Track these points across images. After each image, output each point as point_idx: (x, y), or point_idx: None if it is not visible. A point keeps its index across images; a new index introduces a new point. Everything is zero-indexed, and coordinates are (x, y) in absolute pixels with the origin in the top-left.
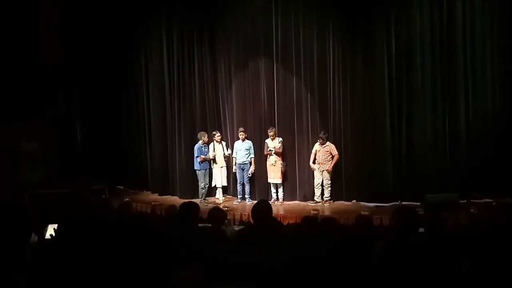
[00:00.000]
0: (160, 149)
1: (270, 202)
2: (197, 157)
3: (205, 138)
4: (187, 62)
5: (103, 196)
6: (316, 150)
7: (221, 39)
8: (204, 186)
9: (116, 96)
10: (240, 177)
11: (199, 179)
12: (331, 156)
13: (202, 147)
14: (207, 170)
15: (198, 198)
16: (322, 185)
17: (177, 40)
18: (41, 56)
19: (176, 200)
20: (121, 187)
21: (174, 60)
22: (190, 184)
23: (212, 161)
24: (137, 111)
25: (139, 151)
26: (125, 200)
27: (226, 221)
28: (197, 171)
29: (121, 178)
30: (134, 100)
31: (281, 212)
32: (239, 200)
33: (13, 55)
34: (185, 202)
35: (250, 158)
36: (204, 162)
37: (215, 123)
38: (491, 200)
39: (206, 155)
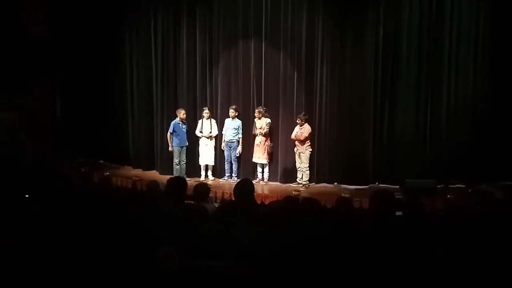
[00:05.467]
0: (143, 124)
1: (255, 181)
2: (171, 133)
3: (182, 115)
4: (172, 38)
5: (83, 170)
6: (296, 132)
7: (208, 15)
8: (179, 163)
9: (100, 70)
10: (228, 155)
11: (174, 155)
12: (307, 138)
13: (178, 123)
14: (184, 147)
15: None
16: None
17: (162, 16)
18: (25, 29)
19: (157, 175)
20: (102, 161)
21: (160, 35)
22: (171, 160)
23: (199, 138)
24: (120, 86)
25: (121, 125)
26: (106, 174)
27: (208, 198)
28: (172, 147)
29: (102, 152)
30: (118, 75)
31: (264, 192)
32: (226, 178)
33: None
34: (172, 177)
35: (238, 137)
36: (181, 139)
37: (200, 101)
38: (468, 187)
39: (184, 131)
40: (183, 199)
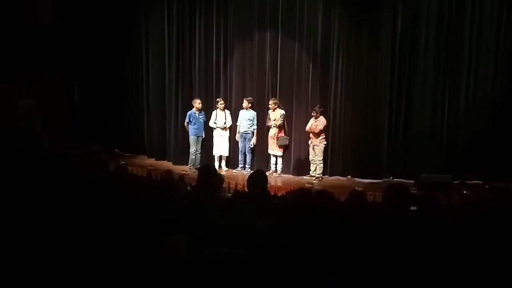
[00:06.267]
0: (158, 113)
1: (268, 173)
2: (187, 123)
3: (198, 105)
4: (187, 28)
5: (101, 157)
6: (311, 124)
7: (224, 7)
8: (195, 153)
9: (115, 59)
10: (242, 146)
11: (190, 145)
12: (321, 131)
13: (194, 113)
14: (200, 137)
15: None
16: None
17: (177, 7)
18: (39, 15)
19: (171, 165)
20: (117, 150)
21: (175, 26)
22: (185, 150)
23: (213, 129)
24: (135, 75)
25: (137, 115)
26: (121, 163)
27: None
28: (189, 136)
29: (117, 141)
30: (133, 64)
31: (277, 183)
32: (240, 169)
33: (10, 13)
34: (203, 165)
35: (253, 129)
36: (198, 129)
37: (215, 91)
38: (484, 183)
39: (201, 121)
40: (214, 188)
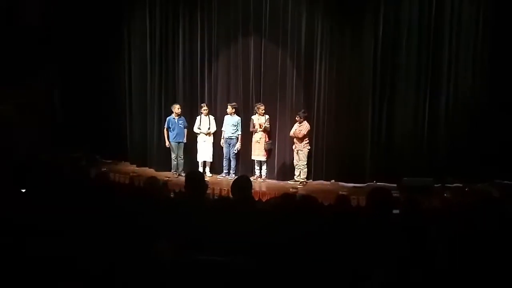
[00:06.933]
0: (140, 119)
1: (252, 178)
2: (166, 128)
3: (177, 110)
4: (171, 33)
5: (83, 163)
6: (294, 129)
7: (207, 11)
8: (176, 158)
9: (98, 64)
10: (227, 152)
11: (171, 151)
12: (305, 136)
13: (174, 118)
14: (181, 143)
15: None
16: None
17: (160, 10)
18: (22, 21)
19: (154, 172)
20: (98, 156)
21: (158, 31)
22: (168, 157)
23: (197, 135)
24: (118, 80)
25: (119, 121)
26: (103, 169)
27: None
28: (170, 142)
29: (99, 148)
30: (116, 70)
31: (262, 189)
32: (224, 175)
33: None
34: (191, 171)
35: (237, 134)
36: (177, 135)
37: (199, 97)
38: (465, 186)
39: (181, 127)
40: (200, 193)
